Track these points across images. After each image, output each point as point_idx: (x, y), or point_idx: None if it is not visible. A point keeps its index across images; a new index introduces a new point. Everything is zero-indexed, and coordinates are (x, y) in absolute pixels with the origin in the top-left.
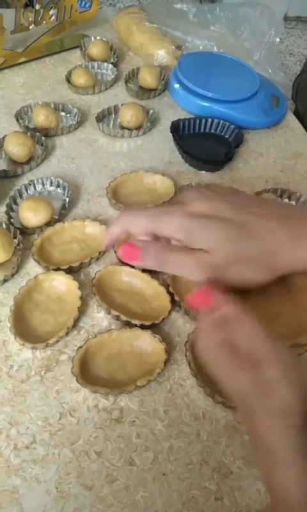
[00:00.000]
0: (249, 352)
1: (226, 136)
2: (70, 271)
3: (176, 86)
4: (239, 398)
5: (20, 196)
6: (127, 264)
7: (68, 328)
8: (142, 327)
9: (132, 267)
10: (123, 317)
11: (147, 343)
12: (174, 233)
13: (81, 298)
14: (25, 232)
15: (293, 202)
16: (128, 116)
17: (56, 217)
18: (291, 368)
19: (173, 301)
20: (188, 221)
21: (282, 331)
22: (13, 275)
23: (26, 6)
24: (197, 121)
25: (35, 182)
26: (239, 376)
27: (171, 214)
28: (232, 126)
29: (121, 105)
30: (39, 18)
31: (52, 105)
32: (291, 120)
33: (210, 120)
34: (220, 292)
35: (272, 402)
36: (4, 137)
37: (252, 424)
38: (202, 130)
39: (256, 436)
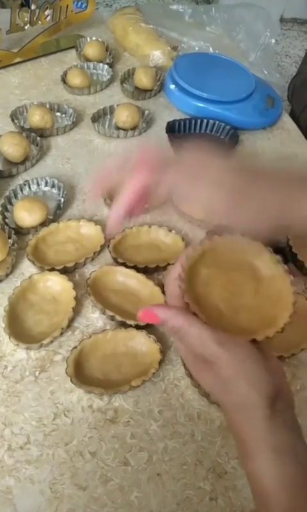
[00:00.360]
0: (203, 356)
1: (222, 137)
2: (65, 271)
3: (172, 86)
4: (211, 396)
5: (15, 196)
6: (123, 264)
7: (62, 329)
8: (137, 327)
9: (127, 267)
10: (118, 318)
11: (142, 343)
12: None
13: (76, 298)
14: (19, 232)
15: None
16: (124, 116)
17: (51, 217)
18: (244, 365)
19: None
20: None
21: (245, 325)
22: (7, 275)
23: (22, 6)
24: (193, 121)
25: (30, 182)
26: (202, 377)
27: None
28: (227, 127)
29: (117, 105)
30: (34, 19)
31: (48, 106)
32: (287, 121)
33: (205, 120)
34: (164, 307)
35: (233, 398)
36: None
37: (227, 417)
38: (197, 130)
39: (231, 428)
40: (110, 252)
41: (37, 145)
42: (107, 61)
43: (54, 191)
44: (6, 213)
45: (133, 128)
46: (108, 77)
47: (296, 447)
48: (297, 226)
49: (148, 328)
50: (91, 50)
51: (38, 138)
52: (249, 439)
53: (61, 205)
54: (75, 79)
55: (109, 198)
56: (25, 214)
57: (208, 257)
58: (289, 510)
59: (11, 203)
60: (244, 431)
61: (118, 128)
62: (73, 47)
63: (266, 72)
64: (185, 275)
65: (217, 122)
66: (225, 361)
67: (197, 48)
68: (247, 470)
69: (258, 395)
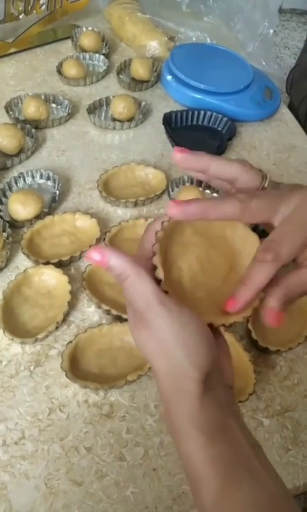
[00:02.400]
0: (142, 312)
1: (219, 129)
2: (60, 264)
3: (169, 77)
4: (147, 358)
5: (10, 188)
6: None
7: (57, 323)
8: None
9: None
10: (114, 312)
11: None
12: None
13: (71, 292)
14: (14, 225)
15: None
16: (120, 108)
17: (46, 210)
18: (183, 331)
19: None
20: None
21: (199, 304)
22: (1, 269)
23: None
24: (190, 113)
25: (25, 174)
26: (138, 335)
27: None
28: (225, 118)
29: (113, 96)
30: (29, 8)
31: (43, 97)
32: (285, 113)
33: (202, 112)
34: (116, 252)
35: (165, 364)
36: None
37: (158, 387)
38: (194, 122)
39: (162, 402)
40: (106, 245)
41: (32, 137)
42: (103, 51)
43: (49, 183)
44: (0, 206)
45: (130, 119)
46: (104, 67)
47: (228, 427)
48: None
49: None
50: (87, 40)
51: (33, 130)
52: (177, 417)
53: (56, 198)
54: (71, 70)
55: (105, 190)
56: (20, 207)
57: (199, 223)
58: (219, 493)
59: (5, 196)
60: (173, 409)
61: (114, 119)
62: (68, 37)
63: (264, 63)
64: (168, 225)
65: (214, 114)
66: (164, 323)
67: (194, 39)
68: (179, 451)
69: (190, 365)
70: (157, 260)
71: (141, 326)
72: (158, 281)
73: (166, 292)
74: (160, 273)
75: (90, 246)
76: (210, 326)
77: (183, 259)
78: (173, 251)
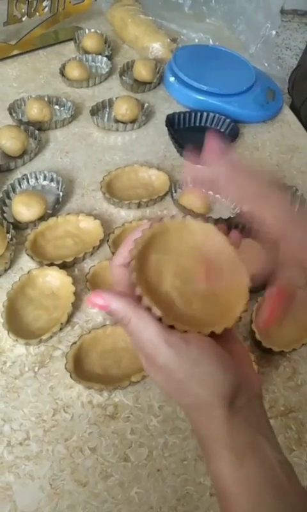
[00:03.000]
0: (152, 357)
1: (222, 130)
2: (64, 266)
3: (172, 79)
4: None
5: (13, 190)
6: None
7: (61, 324)
8: None
9: None
10: None
11: None
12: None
13: (75, 293)
14: (18, 226)
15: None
16: (123, 109)
17: (50, 211)
18: (197, 367)
19: None
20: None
21: (200, 316)
22: (6, 270)
23: None
24: (193, 114)
25: (28, 176)
26: (154, 377)
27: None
28: (228, 120)
29: (116, 98)
30: (32, 10)
31: (46, 99)
32: (288, 114)
33: (205, 113)
34: (115, 295)
35: (187, 400)
36: None
37: (187, 416)
38: (197, 123)
39: (193, 427)
40: (109, 247)
41: (35, 139)
42: (106, 53)
43: (53, 185)
44: (4, 207)
45: (133, 121)
46: (107, 69)
47: (258, 446)
48: None
49: None
50: (90, 42)
51: (36, 131)
52: (207, 438)
53: (60, 199)
54: (74, 72)
55: (108, 191)
56: (24, 209)
57: (158, 242)
58: None
59: (9, 198)
60: (202, 430)
61: (117, 121)
62: (71, 39)
63: (266, 64)
64: (134, 263)
65: (217, 115)
66: (176, 365)
67: (197, 40)
68: (209, 469)
69: (212, 397)
70: (148, 302)
71: (155, 369)
72: (158, 318)
73: (171, 326)
74: (157, 312)
75: (92, 292)
76: (213, 334)
77: (162, 282)
78: (150, 281)
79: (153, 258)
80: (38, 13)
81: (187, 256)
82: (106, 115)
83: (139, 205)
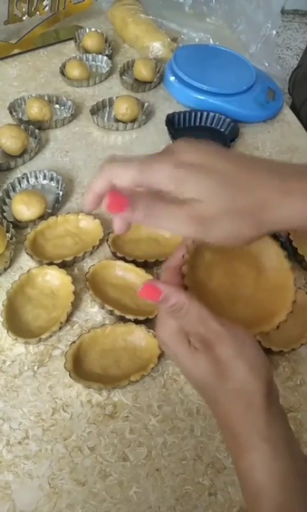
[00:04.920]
0: (202, 336)
1: (222, 130)
2: (64, 265)
3: (172, 78)
4: (199, 385)
5: (13, 189)
6: (122, 259)
7: (61, 323)
8: (136, 322)
9: (126, 261)
10: (117, 312)
11: (141, 338)
12: (163, 181)
13: (74, 293)
14: (18, 225)
15: None
16: (123, 108)
17: (49, 210)
18: (244, 347)
19: None
20: (179, 169)
21: (240, 317)
22: (5, 269)
23: None
24: (193, 114)
25: (28, 175)
26: (198, 359)
27: (160, 162)
28: (228, 119)
29: (116, 97)
30: (33, 9)
31: (46, 98)
32: (288, 114)
33: (205, 113)
34: (166, 283)
35: (231, 383)
36: None
37: (216, 409)
38: (197, 123)
39: (221, 420)
40: (109, 246)
41: (35, 138)
42: (106, 52)
43: (53, 184)
44: (4, 206)
45: (133, 120)
46: (107, 68)
47: (291, 440)
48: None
49: (147, 322)
50: (90, 41)
51: (37, 131)
52: (243, 431)
53: (60, 199)
54: (74, 71)
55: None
56: (24, 208)
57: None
58: (282, 506)
59: (9, 197)
60: (238, 422)
61: (117, 120)
62: (71, 39)
63: (267, 64)
64: (189, 257)
65: (217, 115)
66: (226, 341)
67: (197, 40)
68: (238, 465)
69: (257, 380)
70: (193, 293)
71: (202, 349)
72: (185, 287)
73: None
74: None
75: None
76: None
77: (212, 279)
78: (200, 275)
79: (207, 255)
80: (38, 12)
81: (240, 260)
82: (106, 114)
83: None
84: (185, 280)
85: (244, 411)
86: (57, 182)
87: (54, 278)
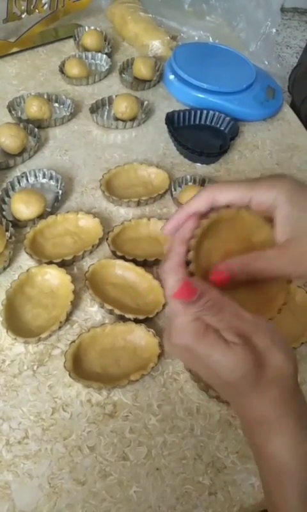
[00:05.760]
0: (237, 329)
1: (222, 128)
2: (63, 264)
3: (171, 77)
4: (235, 382)
5: (12, 188)
6: (122, 258)
7: (60, 322)
8: (136, 321)
9: (126, 260)
10: (117, 311)
11: (141, 337)
12: (274, 203)
13: (74, 292)
14: (17, 224)
15: None
16: (123, 107)
17: (49, 209)
18: (275, 332)
19: None
20: (293, 192)
21: (245, 302)
22: (4, 268)
23: None
24: (193, 112)
25: (27, 174)
26: (240, 354)
27: (271, 185)
28: (228, 118)
29: (116, 96)
30: (32, 7)
31: (45, 96)
32: (288, 112)
33: (205, 111)
34: (197, 281)
35: (269, 371)
36: None
37: (245, 401)
38: (197, 121)
39: (248, 415)
40: (108, 245)
41: (35, 136)
42: (106, 50)
43: (52, 183)
44: (3, 205)
45: (132, 119)
46: (106, 67)
47: None
48: None
49: (147, 321)
50: (90, 39)
51: (36, 129)
52: (275, 415)
53: (59, 197)
54: (73, 69)
55: (108, 189)
56: (23, 207)
57: (211, 229)
58: None
59: (8, 196)
60: (269, 410)
61: (116, 119)
62: (71, 37)
63: (266, 63)
64: (193, 254)
65: (217, 113)
66: (262, 330)
67: (196, 38)
68: (262, 452)
69: (291, 364)
70: (191, 255)
71: (241, 342)
72: (190, 274)
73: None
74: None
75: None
76: None
77: (211, 267)
78: (202, 267)
79: (205, 245)
80: (37, 10)
81: (235, 245)
82: (106, 113)
83: (138, 203)
84: (192, 266)
85: (279, 396)
86: (57, 180)
87: (54, 277)
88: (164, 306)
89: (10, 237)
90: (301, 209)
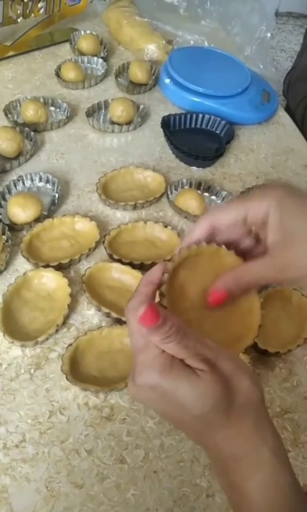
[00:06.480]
0: (202, 355)
1: (217, 132)
2: (60, 267)
3: (167, 81)
4: (205, 415)
5: (9, 191)
6: (119, 261)
7: (57, 326)
8: None
9: (123, 263)
10: (114, 314)
11: None
12: (266, 212)
13: (71, 295)
14: (13, 228)
15: None
16: (119, 111)
17: (45, 213)
18: (237, 358)
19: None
20: (284, 199)
21: (210, 338)
22: (1, 272)
23: None
24: (188, 116)
25: (24, 177)
26: (208, 381)
27: (260, 198)
28: (223, 121)
29: (112, 100)
30: (27, 11)
31: (42, 100)
32: (283, 116)
33: (201, 115)
34: (160, 307)
35: (238, 398)
36: None
37: (218, 440)
38: (193, 125)
39: (223, 449)
40: (105, 248)
41: (31, 140)
42: (102, 54)
43: (48, 186)
44: None
45: (128, 122)
46: (102, 71)
47: (283, 447)
48: None
49: None
50: (85, 43)
51: (32, 133)
52: (252, 448)
53: (56, 201)
54: (69, 73)
55: (104, 193)
56: (19, 210)
57: (190, 261)
58: None
59: (4, 199)
60: (246, 441)
61: (112, 122)
62: (67, 41)
63: (261, 67)
64: (167, 277)
65: (212, 117)
66: (225, 354)
67: (192, 42)
68: (243, 490)
69: (258, 388)
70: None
71: (204, 374)
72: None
73: None
74: (164, 301)
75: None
76: None
77: (184, 298)
78: (174, 294)
79: (181, 273)
80: (33, 14)
81: (211, 281)
82: (102, 117)
83: (134, 207)
84: (164, 301)
85: (253, 426)
86: (53, 184)
87: (50, 281)
88: None
89: (7, 241)
90: (291, 216)
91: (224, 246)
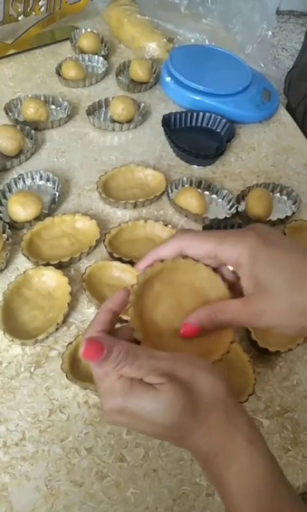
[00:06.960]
0: (159, 370)
1: (218, 130)
2: (60, 266)
3: (168, 79)
4: (175, 424)
5: (9, 190)
6: (119, 259)
7: (57, 324)
8: None
9: (123, 261)
10: None
11: None
12: (239, 259)
13: (71, 294)
14: (14, 226)
15: (284, 197)
16: (119, 109)
17: (46, 211)
18: (196, 360)
19: None
20: (257, 249)
21: (179, 351)
22: (1, 270)
23: None
24: (189, 114)
25: (24, 176)
26: (169, 393)
27: (238, 241)
28: (224, 120)
29: (112, 98)
30: (28, 9)
31: (42, 98)
32: (283, 115)
33: (201, 113)
34: (102, 336)
35: (202, 397)
36: None
37: (194, 438)
38: (194, 124)
39: (200, 446)
40: (105, 247)
41: (31, 138)
42: (102, 53)
43: (49, 184)
44: (0, 207)
45: (129, 121)
46: (103, 69)
47: (260, 435)
48: None
49: None
50: (86, 42)
51: (33, 131)
52: (227, 440)
53: (56, 199)
54: (70, 72)
55: (105, 191)
56: (20, 209)
57: (165, 274)
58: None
59: (5, 197)
60: (221, 434)
61: (113, 121)
62: (67, 39)
63: (262, 65)
64: (137, 288)
65: (213, 115)
66: (180, 361)
67: (193, 41)
68: (223, 480)
69: (222, 382)
70: (136, 324)
71: (163, 386)
72: (137, 342)
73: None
74: (138, 336)
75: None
76: None
77: (157, 310)
78: (146, 304)
79: (156, 285)
80: (34, 13)
81: (186, 295)
82: (102, 115)
83: (135, 205)
84: (130, 311)
85: (225, 419)
86: (54, 182)
87: (51, 279)
88: None
89: (7, 239)
90: (263, 267)
91: (201, 262)
